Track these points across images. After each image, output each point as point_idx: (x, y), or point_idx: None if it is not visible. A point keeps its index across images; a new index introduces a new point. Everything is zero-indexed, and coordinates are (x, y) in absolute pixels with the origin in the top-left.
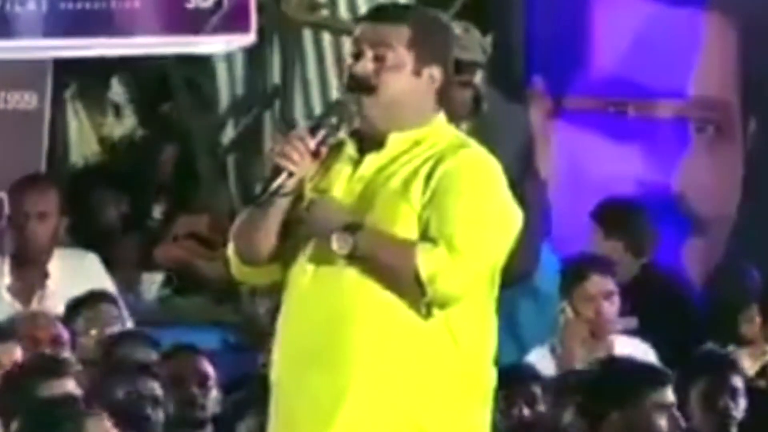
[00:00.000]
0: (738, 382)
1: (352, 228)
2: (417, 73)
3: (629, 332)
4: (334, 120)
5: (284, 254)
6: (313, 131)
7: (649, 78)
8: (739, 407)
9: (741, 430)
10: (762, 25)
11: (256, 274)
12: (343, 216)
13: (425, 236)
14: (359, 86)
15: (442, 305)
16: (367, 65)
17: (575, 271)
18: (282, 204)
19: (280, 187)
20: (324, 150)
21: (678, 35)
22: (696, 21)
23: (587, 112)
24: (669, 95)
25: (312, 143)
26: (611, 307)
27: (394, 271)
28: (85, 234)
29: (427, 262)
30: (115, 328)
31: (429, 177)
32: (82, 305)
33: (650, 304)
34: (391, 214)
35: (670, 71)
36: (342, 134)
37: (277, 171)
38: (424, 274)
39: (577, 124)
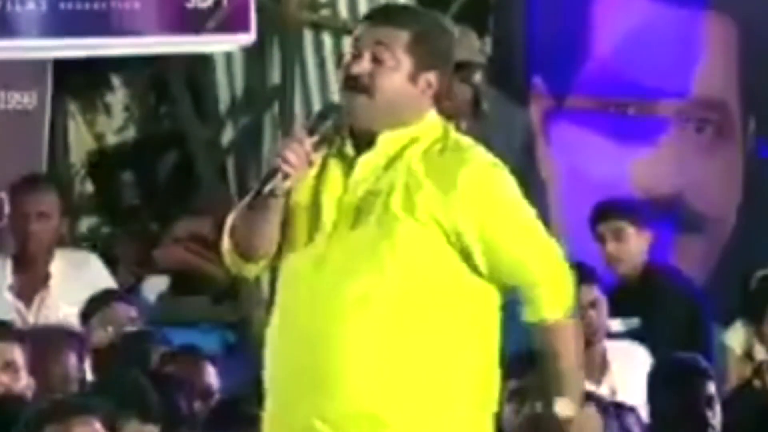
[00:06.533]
0: (712, 388)
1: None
2: (413, 78)
3: (631, 333)
4: (329, 124)
5: (280, 251)
6: (309, 133)
7: (649, 78)
8: (716, 415)
9: (739, 430)
10: (762, 25)
11: (254, 269)
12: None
13: (511, 278)
14: (354, 85)
15: None
16: (363, 65)
17: None
18: (279, 204)
19: (274, 189)
20: (316, 156)
21: (678, 35)
22: (696, 21)
23: (587, 112)
24: (669, 95)
25: (308, 146)
26: (598, 315)
27: (580, 340)
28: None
29: (560, 303)
30: (132, 328)
31: (443, 192)
32: (97, 304)
33: (653, 303)
34: (390, 223)
35: (670, 71)
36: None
37: (273, 173)
38: (573, 305)
39: (577, 123)
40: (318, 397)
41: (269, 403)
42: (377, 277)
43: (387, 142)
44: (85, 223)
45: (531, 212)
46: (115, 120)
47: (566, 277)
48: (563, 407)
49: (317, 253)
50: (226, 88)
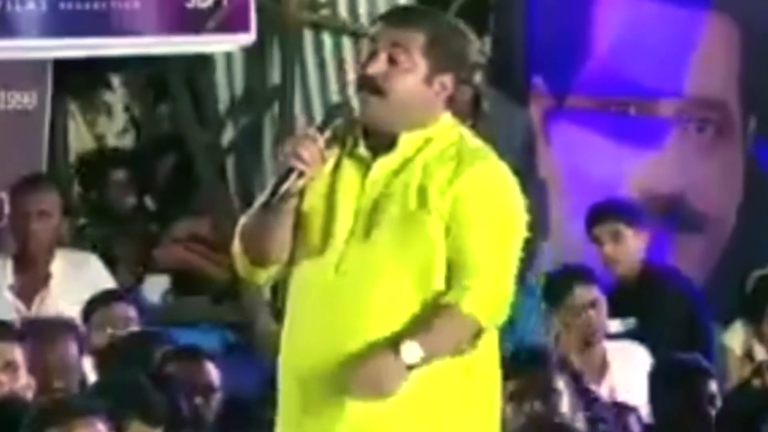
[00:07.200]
0: (714, 387)
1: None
2: (428, 80)
3: (630, 334)
4: (339, 122)
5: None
6: (320, 131)
7: (649, 78)
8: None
9: (738, 429)
10: (763, 25)
11: (265, 274)
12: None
13: (456, 266)
14: (369, 86)
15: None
16: (379, 66)
17: (557, 285)
18: (292, 205)
19: (290, 188)
20: (329, 153)
21: (679, 35)
22: (697, 21)
23: (587, 112)
24: (669, 95)
25: (321, 143)
26: (598, 316)
27: (462, 342)
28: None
29: (480, 310)
30: (131, 329)
31: (448, 183)
32: (97, 304)
33: (650, 303)
34: (408, 224)
35: (670, 71)
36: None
37: (287, 172)
38: (485, 321)
39: (577, 123)
40: (339, 403)
41: (283, 409)
42: (399, 280)
43: (406, 143)
44: (84, 224)
45: (518, 236)
46: (116, 120)
47: (501, 306)
48: (409, 351)
49: (334, 258)
50: (226, 89)
